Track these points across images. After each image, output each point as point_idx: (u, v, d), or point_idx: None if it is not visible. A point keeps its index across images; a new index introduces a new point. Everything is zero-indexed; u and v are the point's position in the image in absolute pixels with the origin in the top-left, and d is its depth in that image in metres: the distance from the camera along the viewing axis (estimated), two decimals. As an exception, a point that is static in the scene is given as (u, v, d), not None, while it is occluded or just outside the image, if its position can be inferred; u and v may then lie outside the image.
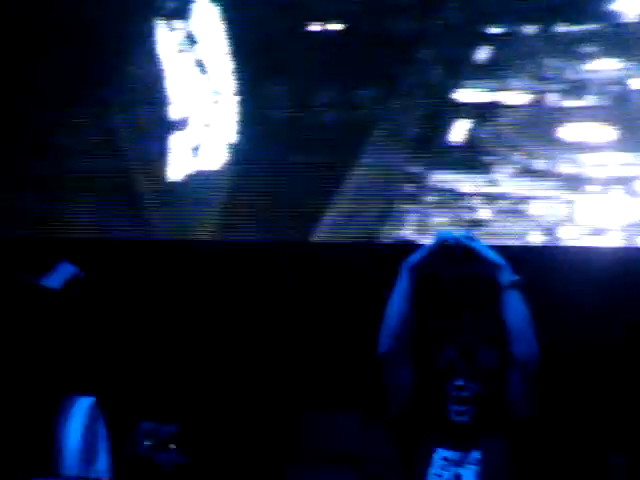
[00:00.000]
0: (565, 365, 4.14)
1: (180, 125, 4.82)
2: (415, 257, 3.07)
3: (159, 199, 4.78)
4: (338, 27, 4.71)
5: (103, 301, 3.85)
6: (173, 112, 4.83)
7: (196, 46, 4.85)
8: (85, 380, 3.37)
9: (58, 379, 3.30)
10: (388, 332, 3.04)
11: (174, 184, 4.81)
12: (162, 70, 4.84)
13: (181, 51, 4.87)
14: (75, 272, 3.65)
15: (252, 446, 4.55)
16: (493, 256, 3.05)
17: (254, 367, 4.61)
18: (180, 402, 4.47)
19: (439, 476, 2.97)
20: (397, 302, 3.04)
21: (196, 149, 4.83)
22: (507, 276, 3.02)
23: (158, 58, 4.84)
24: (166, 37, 4.88)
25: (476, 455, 2.97)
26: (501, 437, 3.00)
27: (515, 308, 3.00)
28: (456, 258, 3.05)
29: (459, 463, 2.98)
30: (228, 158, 4.78)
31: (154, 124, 4.81)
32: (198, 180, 4.80)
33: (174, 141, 4.84)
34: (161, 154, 4.82)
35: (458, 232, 3.10)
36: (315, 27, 4.73)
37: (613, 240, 4.36)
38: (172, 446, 3.53)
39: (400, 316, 3.03)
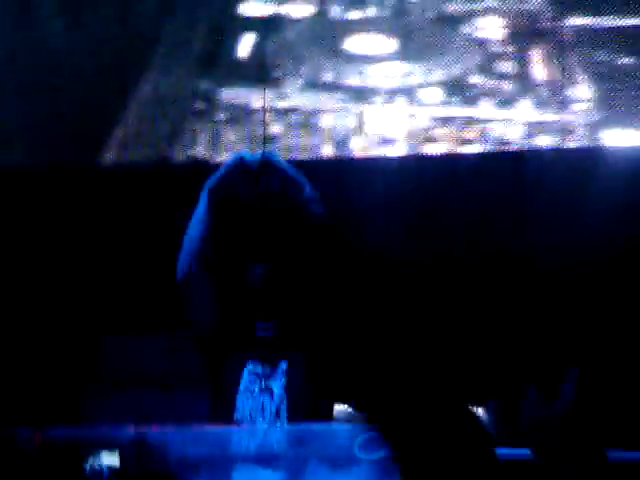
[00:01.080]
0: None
1: None
2: (212, 179, 3.03)
3: None
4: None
5: None
6: None
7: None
8: None
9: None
10: (187, 256, 3.00)
11: None
12: None
13: None
14: None
15: (51, 372, 4.46)
16: (295, 172, 3.08)
17: (55, 294, 4.50)
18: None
19: (250, 391, 3.01)
20: (195, 225, 3.01)
21: None
22: (310, 189, 3.07)
23: None
24: None
25: (283, 367, 3.03)
26: (305, 348, 3.06)
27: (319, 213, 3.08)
28: (255, 178, 3.04)
29: (268, 376, 3.03)
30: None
31: None
32: None
33: None
34: None
35: (255, 152, 3.08)
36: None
37: (400, 149, 4.49)
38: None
39: (199, 240, 3.00)
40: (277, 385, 3.01)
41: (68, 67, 4.56)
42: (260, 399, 2.99)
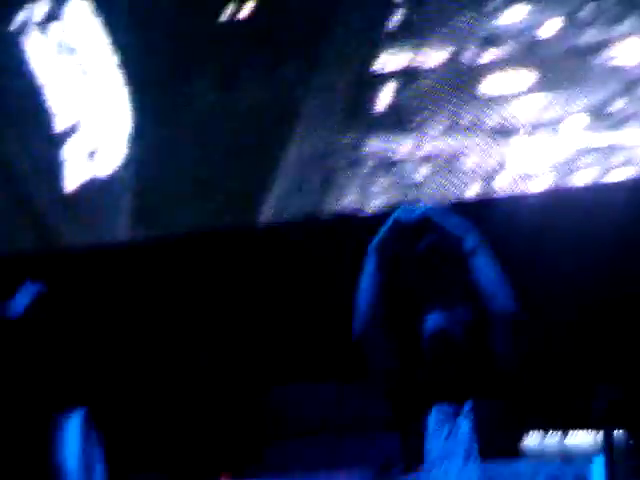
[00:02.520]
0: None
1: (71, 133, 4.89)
2: (376, 238, 3.13)
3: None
4: (247, 10, 4.80)
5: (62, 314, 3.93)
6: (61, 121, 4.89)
7: (77, 51, 4.90)
8: (71, 395, 3.44)
9: (43, 398, 3.36)
10: (361, 316, 3.09)
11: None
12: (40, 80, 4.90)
13: (60, 57, 4.92)
14: (38, 290, 3.69)
15: (234, 426, 4.64)
16: (455, 224, 3.08)
17: (226, 352, 4.70)
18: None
19: (439, 430, 3.01)
20: (365, 285, 3.09)
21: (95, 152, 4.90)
22: (472, 240, 3.05)
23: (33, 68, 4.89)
24: (41, 44, 4.92)
25: (469, 405, 3.01)
26: (490, 391, 3.04)
27: (486, 270, 3.01)
28: (417, 233, 3.10)
29: (455, 415, 3.02)
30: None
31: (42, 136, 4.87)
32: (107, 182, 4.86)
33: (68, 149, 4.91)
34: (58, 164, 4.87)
35: (416, 207, 3.11)
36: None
37: (545, 183, 4.49)
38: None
39: (370, 298, 3.08)
40: (465, 424, 3.01)
41: (224, 133, 4.81)
42: (450, 440, 3.01)
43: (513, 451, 3.02)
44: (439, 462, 2.97)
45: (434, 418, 3.04)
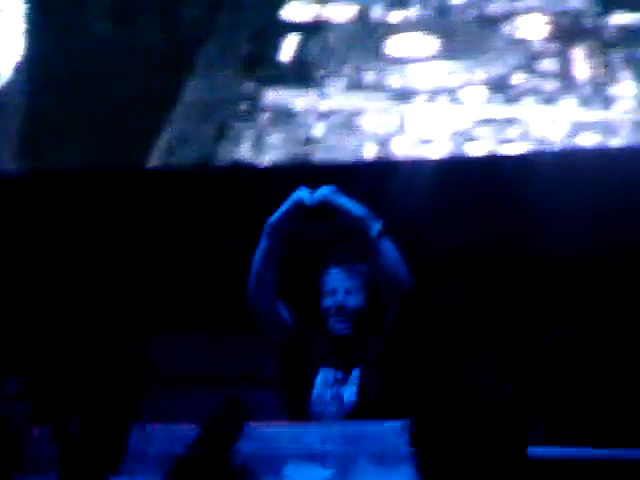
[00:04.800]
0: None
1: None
2: (273, 217, 3.13)
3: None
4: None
5: None
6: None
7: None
8: None
9: None
10: (252, 290, 3.13)
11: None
12: None
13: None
14: None
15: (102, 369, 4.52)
16: (357, 209, 3.09)
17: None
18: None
19: (322, 395, 3.06)
20: (257, 261, 3.12)
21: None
22: (375, 226, 3.07)
23: None
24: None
25: (356, 372, 3.08)
26: (379, 343, 3.09)
27: (390, 253, 3.07)
28: (316, 215, 3.11)
29: (342, 382, 3.08)
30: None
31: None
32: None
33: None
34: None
35: (317, 189, 3.10)
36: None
37: (442, 150, 4.51)
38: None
39: (261, 276, 3.11)
40: (349, 391, 3.06)
41: (115, 69, 4.64)
42: (331, 405, 3.04)
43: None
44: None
45: (319, 382, 3.09)
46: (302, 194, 3.12)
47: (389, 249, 3.08)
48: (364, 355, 3.10)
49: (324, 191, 3.11)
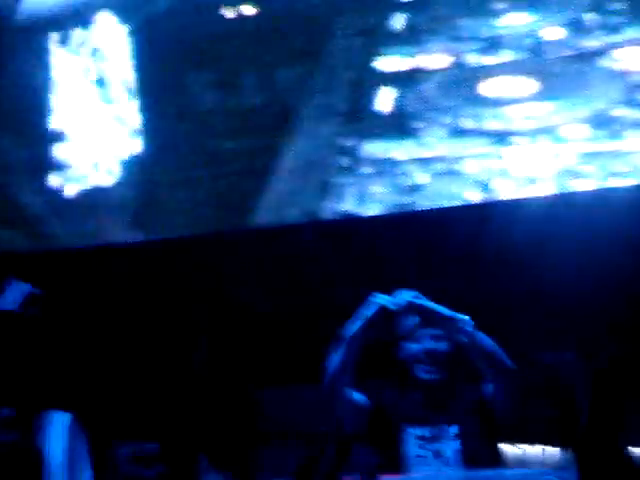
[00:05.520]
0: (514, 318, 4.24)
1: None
2: (353, 329, 3.05)
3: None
4: (251, 10, 4.77)
5: (59, 315, 3.86)
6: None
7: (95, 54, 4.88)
8: (60, 397, 3.39)
9: (31, 397, 3.31)
10: (329, 390, 3.05)
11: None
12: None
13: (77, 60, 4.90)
14: (29, 289, 3.64)
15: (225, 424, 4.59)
16: (443, 309, 3.05)
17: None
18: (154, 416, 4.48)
19: (422, 457, 2.99)
20: (336, 372, 3.04)
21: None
22: (466, 321, 3.03)
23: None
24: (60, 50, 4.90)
25: (453, 430, 3.02)
26: (475, 415, 3.05)
27: (486, 342, 3.03)
28: (396, 321, 3.07)
29: (436, 439, 3.01)
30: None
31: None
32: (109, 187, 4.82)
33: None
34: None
35: (401, 294, 3.06)
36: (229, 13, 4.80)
37: (547, 189, 4.46)
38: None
39: (338, 384, 3.05)
40: (447, 449, 3.00)
41: (222, 133, 4.79)
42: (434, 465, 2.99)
43: (495, 462, 3.02)
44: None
45: (412, 442, 3.02)
46: (382, 301, 3.04)
47: (484, 339, 3.02)
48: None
49: (406, 295, 3.06)
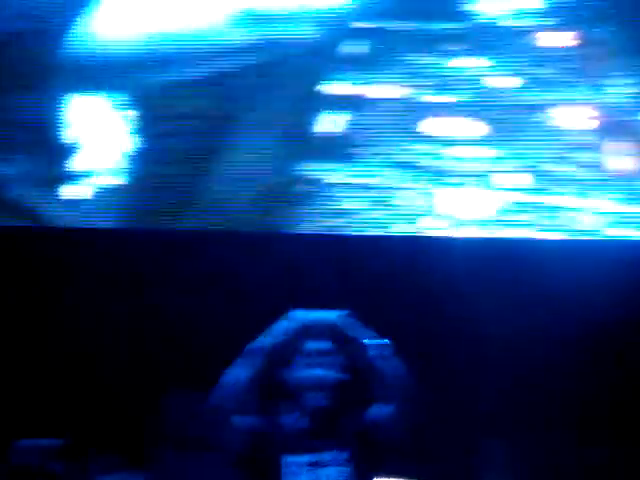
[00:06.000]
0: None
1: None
2: (263, 341, 3.02)
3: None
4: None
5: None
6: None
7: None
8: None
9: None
10: (221, 395, 3.00)
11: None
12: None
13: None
14: None
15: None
16: (364, 334, 3.02)
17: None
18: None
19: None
20: (236, 382, 2.99)
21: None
22: (384, 347, 3.02)
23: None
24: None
25: (339, 455, 3.00)
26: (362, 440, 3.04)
27: (398, 369, 3.03)
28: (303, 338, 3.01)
29: (321, 465, 2.99)
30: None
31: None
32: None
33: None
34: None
35: (328, 312, 3.05)
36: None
37: (471, 231, 4.53)
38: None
39: (238, 396, 2.99)
40: (336, 475, 2.99)
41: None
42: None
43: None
44: None
45: (296, 469, 2.99)
46: (299, 317, 3.03)
47: (397, 364, 3.03)
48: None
49: (333, 314, 3.05)
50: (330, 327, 3.04)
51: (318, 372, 3.03)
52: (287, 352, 3.04)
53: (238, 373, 3.01)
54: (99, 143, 4.77)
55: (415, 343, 3.57)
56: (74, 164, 4.78)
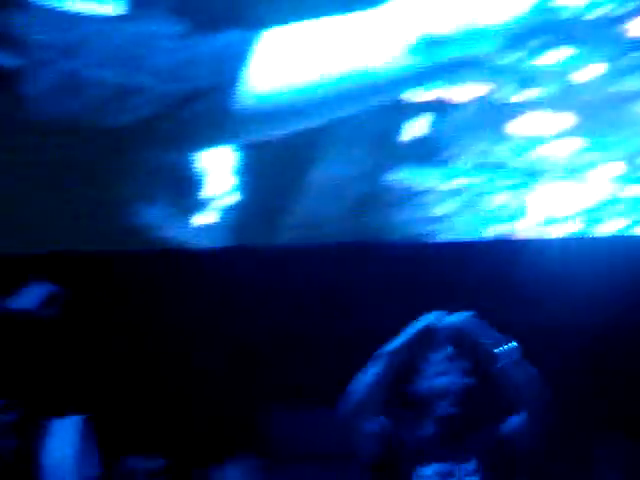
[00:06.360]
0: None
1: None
2: (392, 345, 2.98)
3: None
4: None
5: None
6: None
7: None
8: (74, 400, 3.33)
9: (43, 399, 3.25)
10: (350, 413, 2.96)
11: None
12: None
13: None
14: (49, 289, 3.58)
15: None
16: (492, 338, 2.97)
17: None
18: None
19: None
20: (366, 389, 2.95)
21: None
22: (512, 351, 2.95)
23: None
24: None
25: (470, 466, 2.96)
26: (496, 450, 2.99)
27: (528, 374, 2.97)
28: (437, 348, 2.99)
29: (452, 475, 2.96)
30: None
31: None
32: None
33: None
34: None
35: (451, 315, 2.99)
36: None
37: (571, 228, 4.46)
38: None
39: (366, 404, 2.96)
40: None
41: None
42: None
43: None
44: None
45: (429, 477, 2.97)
46: (429, 319, 2.99)
47: (527, 368, 2.96)
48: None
49: (461, 316, 2.99)
50: (456, 331, 3.00)
51: (446, 379, 3.01)
52: (414, 358, 3.01)
53: (367, 379, 2.98)
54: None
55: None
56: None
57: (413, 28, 4.44)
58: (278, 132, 4.55)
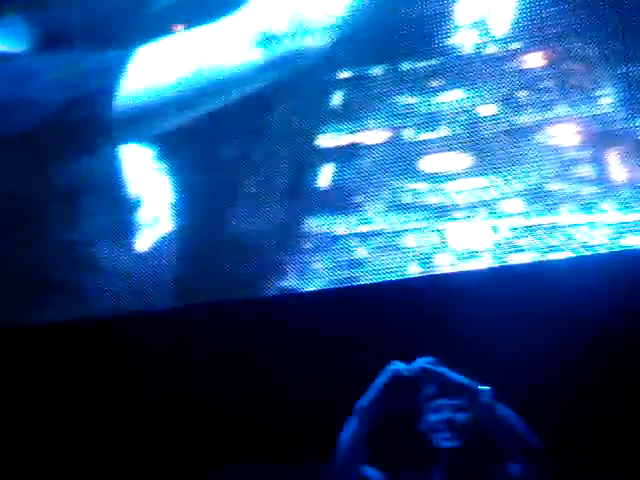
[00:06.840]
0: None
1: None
2: (366, 399, 3.07)
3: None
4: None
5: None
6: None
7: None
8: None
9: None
10: (341, 465, 3.04)
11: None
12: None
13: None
14: None
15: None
16: (461, 377, 3.05)
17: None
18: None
19: None
20: (348, 443, 3.04)
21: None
22: (485, 392, 3.03)
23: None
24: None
25: None
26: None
27: (509, 417, 3.00)
28: (413, 388, 3.08)
29: None
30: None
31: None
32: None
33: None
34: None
35: (415, 361, 3.07)
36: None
37: (485, 262, 4.51)
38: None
39: (352, 454, 3.04)
40: None
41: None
42: None
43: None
44: None
45: None
46: (397, 367, 3.07)
47: (507, 413, 3.00)
48: None
49: (423, 362, 3.06)
50: (429, 373, 3.05)
51: (447, 415, 3.03)
52: (404, 403, 3.07)
53: (353, 430, 3.04)
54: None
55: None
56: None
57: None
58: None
